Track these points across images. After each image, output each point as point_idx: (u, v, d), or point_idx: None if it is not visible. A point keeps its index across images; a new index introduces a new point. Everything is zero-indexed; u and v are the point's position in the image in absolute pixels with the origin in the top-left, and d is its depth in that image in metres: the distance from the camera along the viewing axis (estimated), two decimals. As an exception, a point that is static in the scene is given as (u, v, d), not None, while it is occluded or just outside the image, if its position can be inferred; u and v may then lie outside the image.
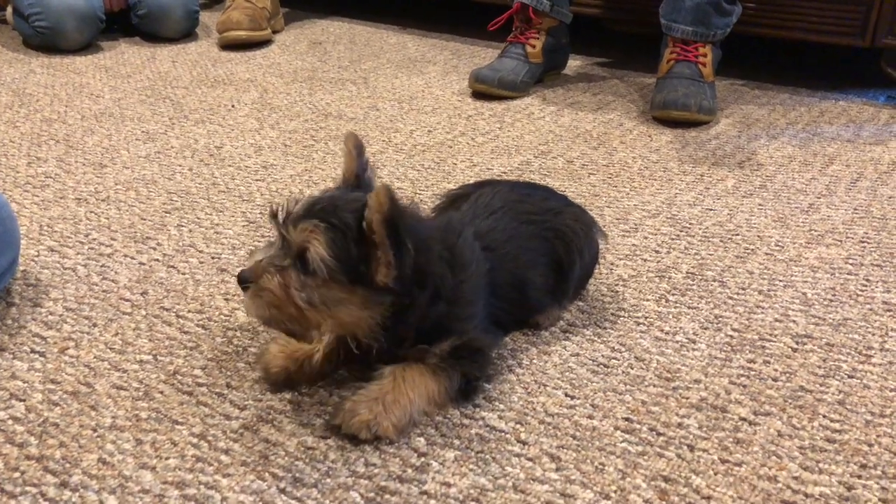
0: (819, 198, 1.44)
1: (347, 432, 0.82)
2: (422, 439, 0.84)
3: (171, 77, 2.14)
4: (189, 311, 1.06)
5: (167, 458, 0.80)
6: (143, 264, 1.18)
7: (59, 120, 1.79)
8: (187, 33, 2.58)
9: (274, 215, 0.83)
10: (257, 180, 1.49)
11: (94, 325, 1.03)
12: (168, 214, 1.34)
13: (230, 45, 2.44)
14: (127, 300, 1.08)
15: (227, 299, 1.09)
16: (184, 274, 1.15)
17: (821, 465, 0.81)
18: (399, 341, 0.86)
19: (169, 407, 0.88)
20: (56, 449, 0.81)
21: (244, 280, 0.82)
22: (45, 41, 2.33)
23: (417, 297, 0.83)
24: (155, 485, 0.77)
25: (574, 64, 2.28)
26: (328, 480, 0.78)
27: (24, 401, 0.88)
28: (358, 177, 0.89)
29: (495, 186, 1.06)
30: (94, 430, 0.84)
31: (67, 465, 0.79)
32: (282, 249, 0.82)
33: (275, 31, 2.63)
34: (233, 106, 1.90)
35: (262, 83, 2.10)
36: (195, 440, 0.83)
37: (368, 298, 0.82)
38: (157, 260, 1.19)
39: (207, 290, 1.11)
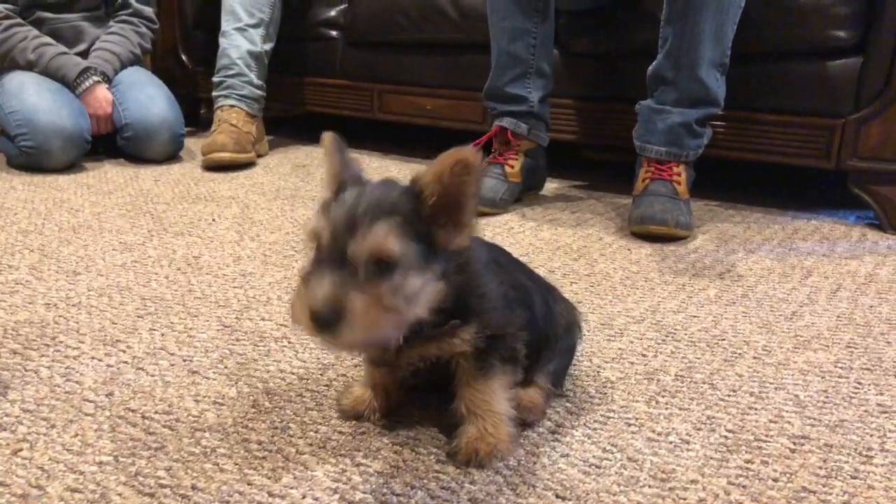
0: (802, 306, 1.43)
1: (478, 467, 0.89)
2: (403, 543, 0.77)
3: (152, 194, 2.15)
4: (156, 413, 1.00)
5: (121, 565, 0.73)
6: (111, 366, 1.12)
7: (35, 231, 1.77)
8: (172, 156, 2.62)
9: (318, 236, 0.76)
10: (235, 287, 1.46)
11: (53, 426, 0.96)
12: (140, 319, 1.30)
13: (214, 167, 2.47)
14: (90, 401, 1.02)
15: (196, 401, 1.03)
16: (153, 376, 1.10)
17: (833, 568, 0.75)
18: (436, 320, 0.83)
19: (127, 510, 0.81)
20: (-3, 555, 0.74)
21: (328, 320, 0.71)
22: (30, 161, 2.35)
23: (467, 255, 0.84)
24: None
25: (551, 186, 2.34)
26: (299, 588, 0.71)
27: (-34, 504, 0.81)
28: (344, 180, 0.83)
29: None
30: (42, 535, 0.76)
31: (8, 573, 0.71)
32: (343, 266, 0.74)
33: (259, 155, 2.69)
34: (213, 220, 1.90)
35: (243, 200, 2.11)
36: (153, 545, 0.76)
37: (441, 269, 0.79)
38: (126, 362, 1.14)
39: (177, 391, 1.06)
